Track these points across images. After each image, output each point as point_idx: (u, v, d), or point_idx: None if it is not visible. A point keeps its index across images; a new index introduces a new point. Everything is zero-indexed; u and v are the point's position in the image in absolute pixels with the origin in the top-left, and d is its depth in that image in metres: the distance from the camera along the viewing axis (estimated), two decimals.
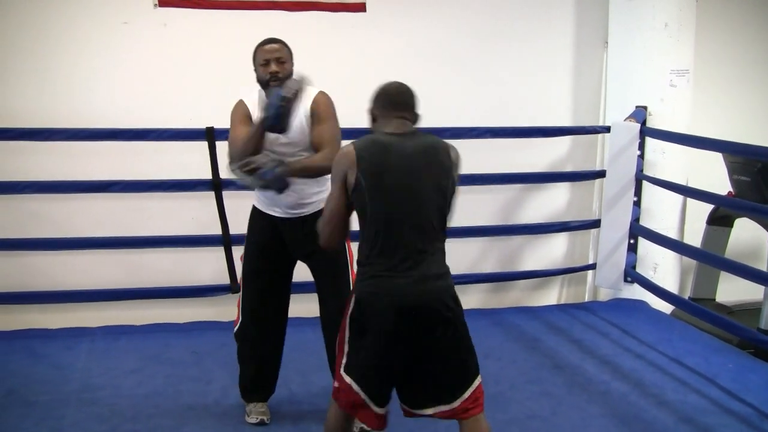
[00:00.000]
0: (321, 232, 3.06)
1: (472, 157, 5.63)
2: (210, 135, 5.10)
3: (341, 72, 5.43)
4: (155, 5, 5.39)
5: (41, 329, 5.14)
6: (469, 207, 5.85)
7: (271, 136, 3.57)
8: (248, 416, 3.94)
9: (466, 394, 2.97)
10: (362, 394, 2.92)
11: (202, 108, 5.32)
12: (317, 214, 3.34)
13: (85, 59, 5.35)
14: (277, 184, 3.46)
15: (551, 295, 6.37)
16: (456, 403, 2.96)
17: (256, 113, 3.67)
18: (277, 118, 3.43)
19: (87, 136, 5.08)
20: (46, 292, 5.24)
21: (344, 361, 2.97)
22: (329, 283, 3.83)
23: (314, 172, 3.61)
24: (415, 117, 3.07)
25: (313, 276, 3.90)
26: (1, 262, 5.35)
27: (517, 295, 6.24)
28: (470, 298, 5.96)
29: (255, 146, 3.55)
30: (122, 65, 5.39)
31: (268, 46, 3.68)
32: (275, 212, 3.77)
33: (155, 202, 5.41)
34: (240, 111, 3.78)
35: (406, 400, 3.02)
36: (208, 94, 5.43)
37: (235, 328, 3.97)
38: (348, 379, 2.94)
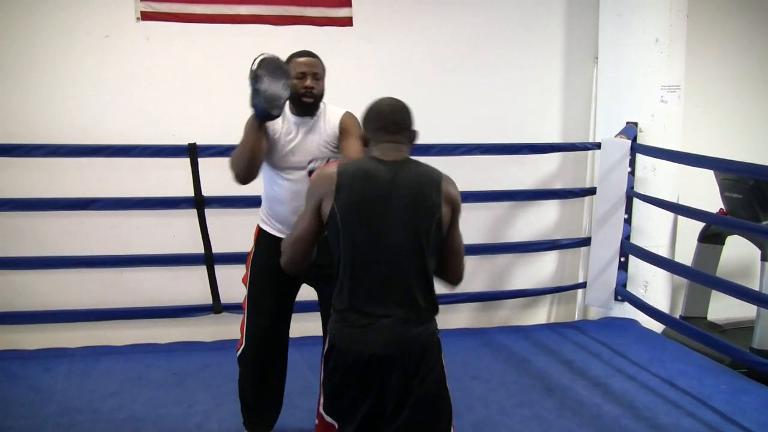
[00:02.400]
0: (283, 253, 2.81)
1: (460, 173, 5.62)
2: (192, 152, 5.01)
3: (327, 86, 5.35)
4: (138, 18, 5.29)
5: (19, 350, 5.01)
6: None
7: (286, 153, 3.48)
8: None
9: None
10: None
11: (185, 124, 5.25)
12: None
13: (66, 73, 5.23)
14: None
15: (540, 314, 6.28)
16: None
17: (278, 126, 3.53)
18: (266, 106, 3.28)
19: (67, 152, 4.97)
20: (24, 312, 5.12)
21: (322, 400, 2.81)
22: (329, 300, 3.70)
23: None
24: (411, 136, 2.78)
25: (320, 299, 3.73)
26: None
27: (506, 314, 6.16)
28: (458, 318, 5.93)
29: (253, 144, 3.41)
30: (104, 79, 5.28)
31: (305, 59, 3.52)
32: (284, 234, 3.57)
33: (137, 219, 5.30)
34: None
35: None
36: (192, 110, 5.38)
37: (238, 352, 3.76)
38: (328, 419, 2.77)
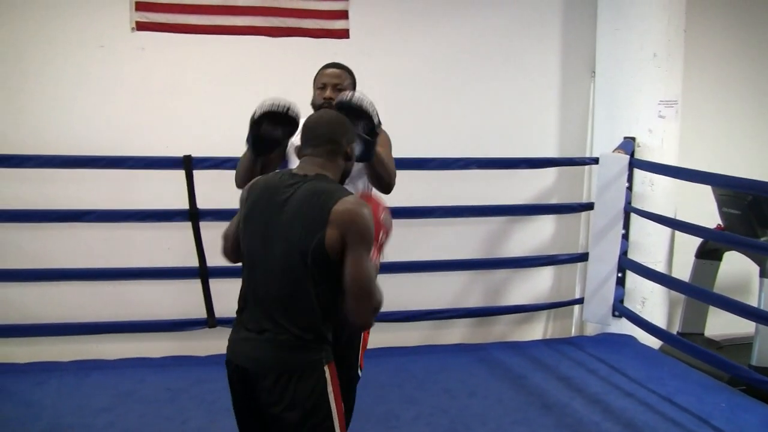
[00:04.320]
0: (222, 239, 2.79)
1: (456, 188, 5.67)
2: (187, 164, 4.96)
3: None
4: (132, 29, 5.25)
5: (10, 363, 4.92)
6: (452, 239, 5.83)
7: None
8: None
9: None
10: None
11: (180, 135, 5.22)
12: None
13: (60, 83, 5.19)
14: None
15: (537, 329, 6.24)
16: None
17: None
18: (252, 139, 3.17)
19: (60, 163, 4.92)
20: (15, 325, 5.06)
21: None
22: None
23: (383, 168, 3.39)
24: (335, 148, 2.64)
25: None
26: None
27: (502, 330, 6.10)
28: (453, 333, 5.89)
29: (249, 167, 3.30)
30: (98, 90, 5.23)
31: (329, 71, 3.50)
32: None
33: (130, 232, 5.24)
34: None
35: None
36: (187, 121, 5.34)
37: None
38: None
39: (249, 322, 2.56)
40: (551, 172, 6.02)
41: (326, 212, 2.44)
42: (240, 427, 2.67)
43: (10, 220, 5.01)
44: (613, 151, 5.52)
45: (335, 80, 3.45)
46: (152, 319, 5.21)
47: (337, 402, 2.54)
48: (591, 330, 6.03)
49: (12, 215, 4.99)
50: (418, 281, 5.71)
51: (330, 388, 2.52)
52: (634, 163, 5.51)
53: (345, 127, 2.70)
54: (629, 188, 5.55)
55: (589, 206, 5.82)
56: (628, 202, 5.54)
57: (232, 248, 2.77)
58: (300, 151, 2.71)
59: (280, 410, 2.48)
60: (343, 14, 5.60)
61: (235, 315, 2.67)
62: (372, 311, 2.47)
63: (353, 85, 3.53)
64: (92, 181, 5.12)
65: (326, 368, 2.52)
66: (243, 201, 2.69)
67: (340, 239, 2.43)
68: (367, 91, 5.47)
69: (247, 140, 3.18)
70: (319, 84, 3.48)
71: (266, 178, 2.68)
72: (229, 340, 2.64)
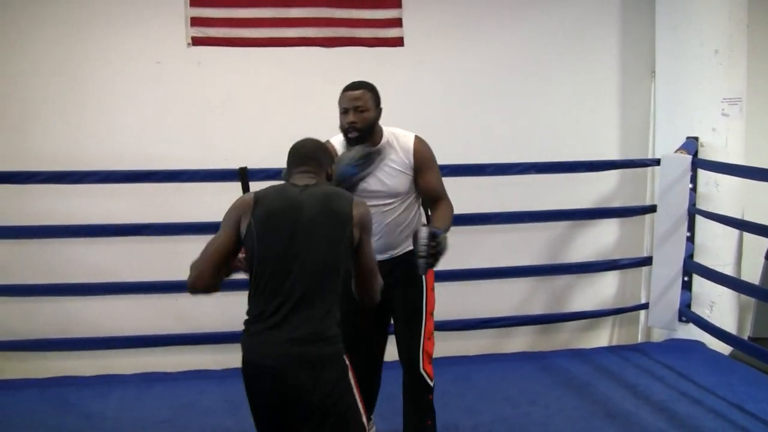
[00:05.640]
0: (192, 270, 2.88)
1: (516, 193, 5.58)
2: (243, 175, 4.95)
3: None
4: (188, 44, 5.34)
5: (75, 376, 5.01)
6: (514, 246, 5.74)
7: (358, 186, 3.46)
8: None
9: None
10: None
11: (236, 148, 5.23)
12: (406, 254, 3.53)
13: (118, 99, 5.31)
14: None
15: (602, 336, 6.11)
16: None
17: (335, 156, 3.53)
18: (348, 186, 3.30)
19: (119, 178, 5.00)
20: (78, 339, 5.16)
21: None
22: (401, 325, 3.71)
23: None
24: (318, 169, 2.96)
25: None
26: (36, 308, 5.26)
27: (566, 337, 5.99)
28: (517, 341, 5.81)
29: None
30: (155, 105, 5.33)
31: (348, 93, 3.50)
32: None
33: (189, 244, 5.24)
34: None
35: None
36: (243, 134, 5.37)
37: None
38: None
39: (275, 327, 2.70)
40: (613, 175, 5.90)
41: (347, 213, 2.79)
42: (260, 429, 2.84)
43: (72, 235, 5.09)
44: (675, 152, 5.38)
45: (356, 103, 3.46)
46: (212, 331, 5.23)
47: (357, 387, 2.81)
48: (658, 336, 5.87)
49: (74, 230, 5.07)
50: (478, 289, 5.64)
51: (350, 374, 2.79)
52: (698, 164, 5.36)
53: (327, 151, 3.06)
54: (693, 189, 5.41)
55: (651, 209, 5.68)
56: (693, 204, 5.39)
57: (211, 272, 2.86)
58: (288, 174, 2.97)
59: (317, 399, 2.67)
60: (397, 22, 5.59)
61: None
62: (379, 288, 2.91)
63: (376, 102, 3.53)
64: (150, 194, 5.19)
65: (345, 357, 2.78)
66: (248, 209, 2.80)
67: (359, 234, 2.80)
68: (423, 97, 5.49)
69: (337, 180, 3.25)
70: (342, 108, 3.50)
71: (271, 187, 2.89)
72: (247, 345, 2.76)
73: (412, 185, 3.62)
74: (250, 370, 2.75)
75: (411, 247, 3.41)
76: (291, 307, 2.69)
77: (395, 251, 3.64)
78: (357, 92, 3.48)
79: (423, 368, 3.63)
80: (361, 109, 3.46)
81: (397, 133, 3.61)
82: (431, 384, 3.65)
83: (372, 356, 3.82)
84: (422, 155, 3.58)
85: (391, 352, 3.85)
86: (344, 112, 3.48)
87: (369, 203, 3.41)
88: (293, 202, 2.79)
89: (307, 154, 2.96)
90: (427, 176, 3.59)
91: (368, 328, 3.71)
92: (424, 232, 3.29)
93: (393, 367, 3.81)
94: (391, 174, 3.54)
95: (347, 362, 2.78)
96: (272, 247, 2.73)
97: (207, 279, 2.87)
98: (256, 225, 2.76)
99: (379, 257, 3.57)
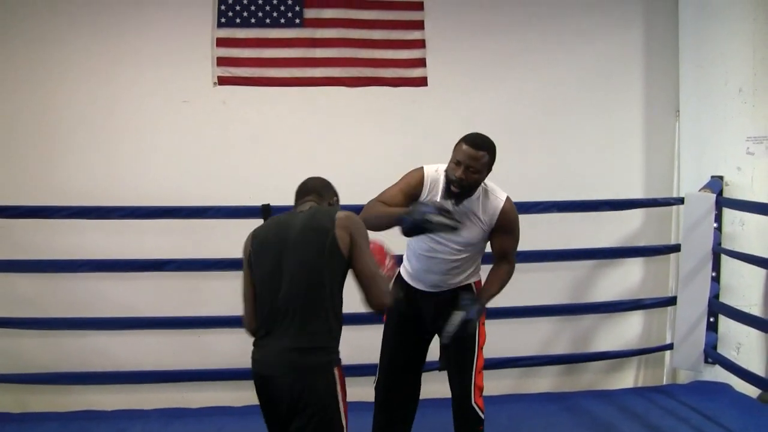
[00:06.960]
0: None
1: (538, 232, 5.55)
2: (266, 212, 5.01)
3: (402, 146, 5.41)
4: (215, 83, 5.42)
5: (97, 411, 5.05)
6: (537, 285, 5.69)
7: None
8: None
9: None
10: None
11: (260, 185, 5.27)
12: (454, 290, 3.66)
13: (146, 137, 5.41)
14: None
15: (627, 377, 6.02)
16: None
17: (426, 191, 3.59)
18: (413, 230, 3.33)
19: (143, 214, 5.06)
20: (100, 373, 5.20)
21: None
22: (453, 359, 3.74)
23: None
24: (319, 199, 3.22)
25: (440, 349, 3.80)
26: (60, 342, 5.31)
27: (591, 378, 5.92)
28: (540, 382, 5.75)
29: (382, 227, 3.47)
30: (181, 142, 5.42)
31: (469, 150, 3.47)
32: (417, 286, 3.77)
33: (213, 281, 5.31)
34: (412, 180, 3.64)
35: None
36: (267, 171, 5.41)
37: (374, 383, 3.94)
38: None
39: (271, 339, 2.97)
40: (637, 214, 5.87)
41: (331, 219, 2.99)
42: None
43: (96, 269, 5.15)
44: (700, 191, 5.35)
45: (472, 163, 3.45)
46: (234, 368, 5.21)
47: (343, 400, 2.98)
48: (684, 378, 5.78)
49: (98, 265, 5.13)
50: (502, 328, 5.55)
51: (338, 388, 2.96)
52: (722, 202, 5.32)
53: (329, 186, 3.31)
54: (718, 228, 5.36)
55: (676, 248, 5.64)
56: (718, 243, 5.34)
57: (252, 315, 3.10)
58: (294, 208, 3.23)
59: (301, 406, 2.89)
60: (421, 62, 5.64)
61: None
62: (387, 292, 3.01)
63: (490, 166, 3.53)
64: (174, 230, 5.25)
65: (335, 370, 2.96)
66: (249, 243, 3.12)
67: (349, 239, 2.96)
68: (447, 137, 5.50)
69: (408, 226, 3.32)
70: (455, 159, 3.48)
71: (265, 223, 3.21)
72: (252, 357, 3.05)
73: (485, 241, 3.66)
74: (253, 379, 3.04)
75: (459, 285, 3.65)
76: (282, 320, 2.93)
77: (442, 288, 3.72)
78: (478, 153, 3.46)
79: (474, 401, 3.68)
80: (474, 170, 3.45)
81: (491, 189, 3.62)
82: (482, 416, 3.70)
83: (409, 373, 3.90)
84: (508, 218, 3.62)
85: (435, 390, 3.90)
86: (457, 163, 3.46)
87: (438, 248, 3.55)
88: (283, 224, 3.07)
89: (309, 188, 3.27)
90: (503, 239, 3.65)
91: (408, 341, 3.83)
92: (458, 317, 3.45)
93: (442, 405, 3.87)
94: (469, 227, 3.55)
95: (337, 374, 2.96)
96: (264, 267, 3.02)
97: (252, 322, 3.12)
98: (253, 253, 3.06)
99: (426, 289, 3.74)
